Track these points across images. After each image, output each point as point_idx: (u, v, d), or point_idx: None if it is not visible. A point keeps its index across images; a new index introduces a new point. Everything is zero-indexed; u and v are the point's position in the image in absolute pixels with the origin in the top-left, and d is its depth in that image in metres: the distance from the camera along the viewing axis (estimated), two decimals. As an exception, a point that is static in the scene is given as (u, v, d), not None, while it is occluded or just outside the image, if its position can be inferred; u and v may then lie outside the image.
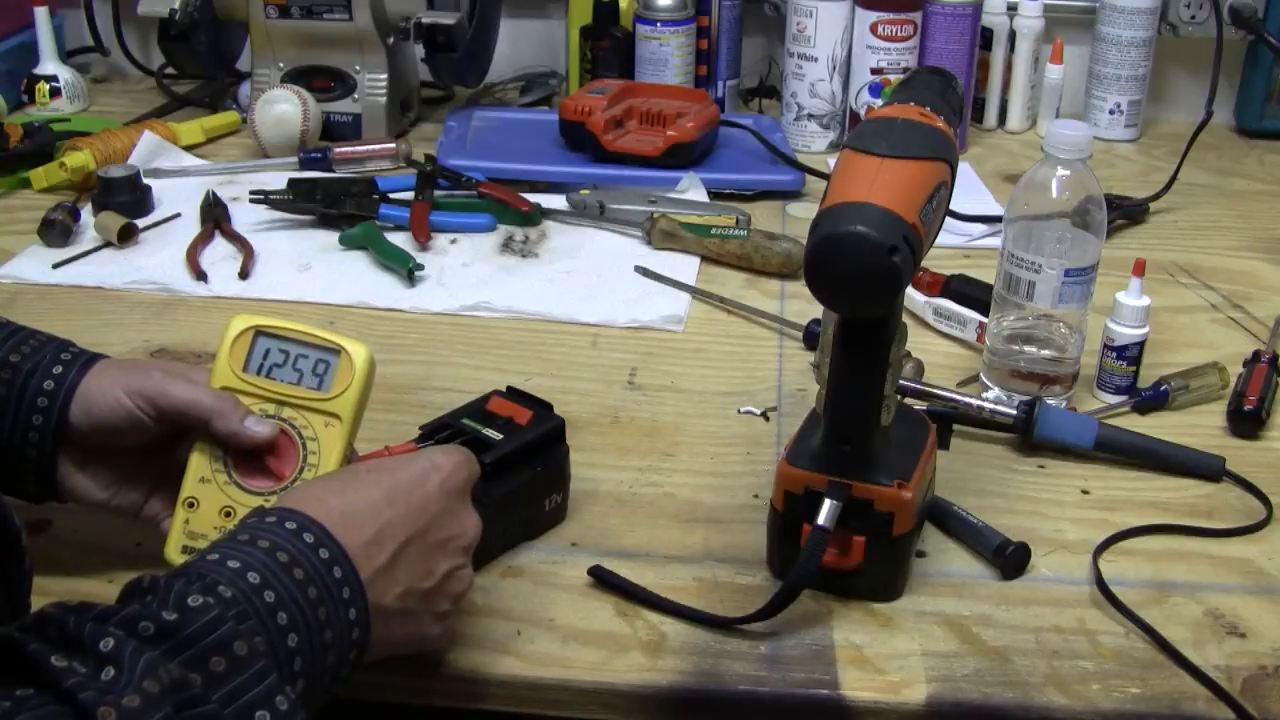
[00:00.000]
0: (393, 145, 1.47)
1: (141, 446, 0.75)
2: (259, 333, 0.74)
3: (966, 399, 0.95)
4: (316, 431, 0.73)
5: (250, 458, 0.73)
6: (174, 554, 0.72)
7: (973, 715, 0.70)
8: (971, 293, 1.10)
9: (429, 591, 0.65)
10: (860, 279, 0.67)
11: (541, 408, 0.84)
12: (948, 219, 1.30)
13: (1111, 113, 1.63)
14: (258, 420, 0.72)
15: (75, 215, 1.26)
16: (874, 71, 1.51)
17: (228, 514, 0.72)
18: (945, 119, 0.75)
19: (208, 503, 0.72)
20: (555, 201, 1.34)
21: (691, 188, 1.36)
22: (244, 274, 1.19)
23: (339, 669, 0.60)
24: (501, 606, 0.76)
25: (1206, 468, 0.91)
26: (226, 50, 1.64)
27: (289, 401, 0.73)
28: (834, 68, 1.53)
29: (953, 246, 1.28)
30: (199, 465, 0.73)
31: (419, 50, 1.58)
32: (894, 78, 1.51)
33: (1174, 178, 1.44)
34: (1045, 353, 0.98)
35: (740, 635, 0.74)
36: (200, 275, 1.18)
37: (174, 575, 0.55)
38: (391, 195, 1.31)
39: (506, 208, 1.30)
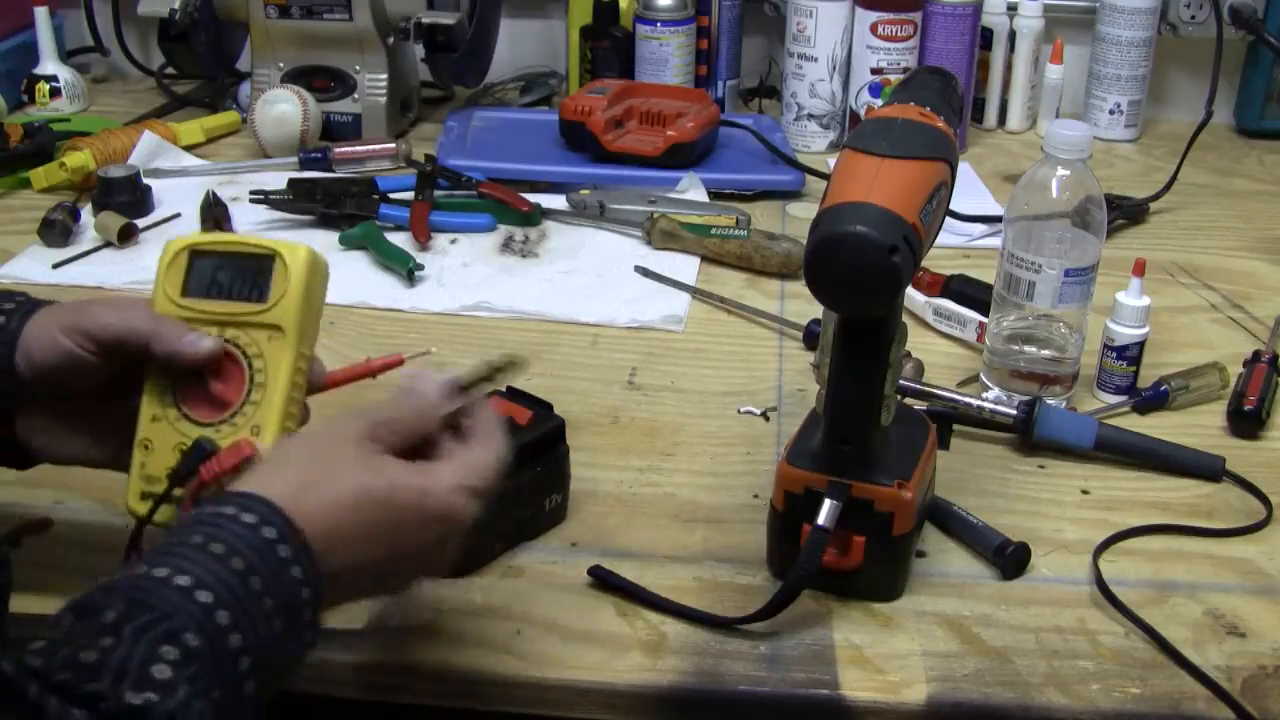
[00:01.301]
0: (393, 145, 1.47)
1: (101, 391, 0.71)
2: (194, 252, 0.70)
3: (966, 399, 0.95)
4: (261, 348, 0.69)
5: (197, 385, 0.69)
6: (135, 502, 0.69)
7: (973, 715, 0.70)
8: (971, 293, 1.10)
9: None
10: (860, 279, 0.67)
11: (541, 408, 0.84)
12: (948, 219, 1.30)
13: (1111, 113, 1.63)
14: (198, 336, 0.68)
15: (75, 215, 1.26)
16: (874, 71, 1.51)
17: (182, 450, 0.68)
18: (945, 119, 0.75)
19: (161, 441, 0.69)
20: (555, 201, 1.34)
21: (691, 188, 1.36)
22: (244, 274, 1.19)
23: (294, 634, 0.57)
24: (501, 606, 0.76)
25: (1206, 468, 0.91)
26: (226, 50, 1.64)
27: (229, 320, 0.69)
28: (834, 68, 1.53)
29: (953, 246, 1.28)
30: (150, 404, 0.69)
31: (419, 50, 1.58)
32: (894, 78, 1.51)
33: (1174, 178, 1.44)
34: (1045, 353, 0.98)
35: (740, 635, 0.74)
36: (200, 275, 1.18)
37: (131, 609, 0.51)
38: (391, 195, 1.31)
39: (506, 208, 1.30)
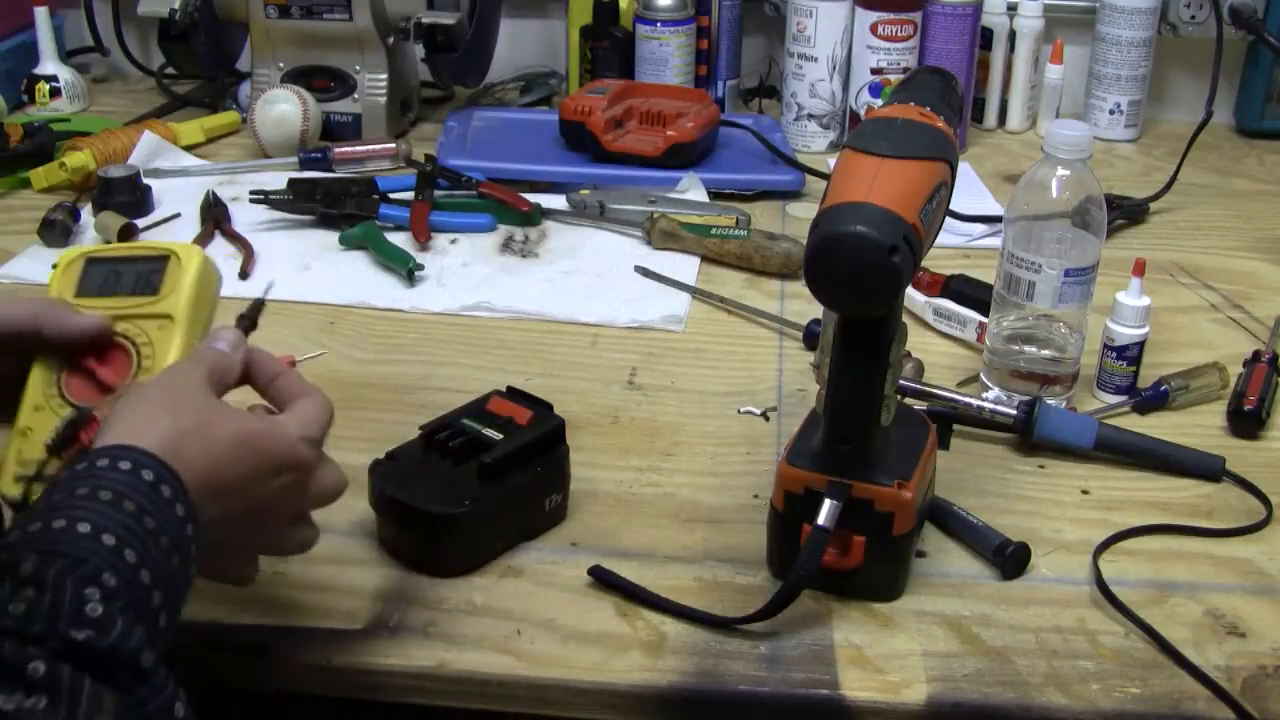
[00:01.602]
0: (393, 145, 1.47)
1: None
2: (89, 260, 0.73)
3: (966, 399, 0.95)
4: (150, 336, 0.71)
5: (83, 374, 0.70)
6: (9, 486, 0.69)
7: (973, 715, 0.70)
8: (971, 293, 1.10)
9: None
10: (860, 279, 0.67)
11: (541, 408, 0.84)
12: (948, 219, 1.30)
13: (1111, 113, 1.63)
14: (86, 315, 0.70)
15: (75, 215, 1.26)
16: (874, 71, 1.51)
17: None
18: (945, 119, 0.75)
19: (41, 428, 0.69)
20: (555, 201, 1.34)
21: (691, 188, 1.36)
22: (244, 274, 1.19)
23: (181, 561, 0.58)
24: (501, 606, 0.76)
25: (1206, 468, 0.91)
26: (226, 50, 1.64)
27: (121, 314, 0.71)
28: (834, 68, 1.53)
29: (953, 246, 1.28)
30: (33, 393, 0.70)
31: (419, 50, 1.58)
32: (894, 78, 1.51)
33: (1174, 178, 1.44)
34: (1045, 353, 0.98)
35: (740, 635, 0.74)
36: (200, 275, 1.18)
37: (44, 559, 0.52)
38: (391, 195, 1.31)
39: (506, 208, 1.30)
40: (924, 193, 0.69)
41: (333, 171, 1.44)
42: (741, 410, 0.98)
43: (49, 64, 1.63)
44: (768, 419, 0.98)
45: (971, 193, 1.42)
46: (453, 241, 1.27)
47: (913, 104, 0.74)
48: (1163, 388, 0.98)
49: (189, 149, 1.49)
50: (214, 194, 1.31)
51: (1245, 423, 0.96)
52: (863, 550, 0.75)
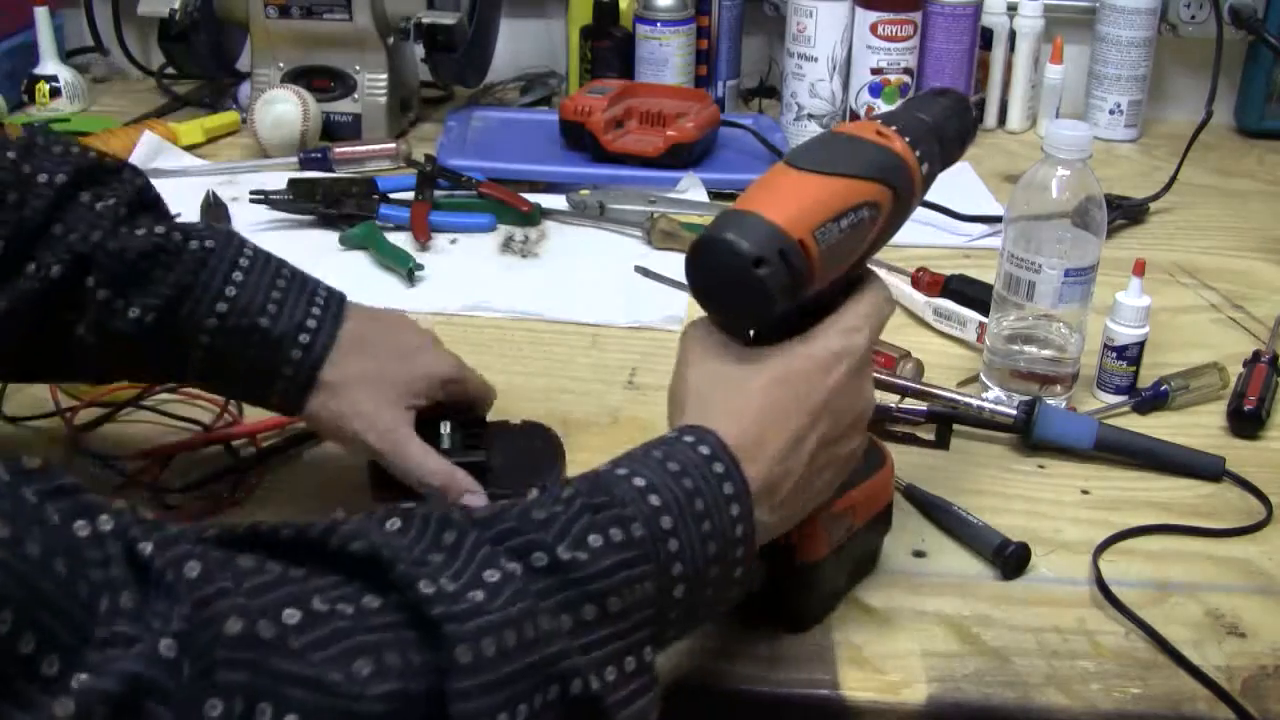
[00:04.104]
0: (393, 145, 1.47)
1: None
2: None
3: (966, 399, 0.95)
4: None
5: None
6: None
7: (973, 715, 0.70)
8: (971, 293, 1.10)
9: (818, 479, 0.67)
10: (724, 288, 0.64)
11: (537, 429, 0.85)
12: (948, 219, 1.31)
13: (1111, 113, 1.63)
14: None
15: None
16: (874, 71, 1.51)
17: None
18: (915, 142, 0.70)
19: None
20: (555, 201, 1.34)
21: (691, 188, 1.36)
22: (244, 274, 1.18)
23: (725, 561, 0.59)
24: (501, 606, 0.76)
25: (1206, 468, 0.91)
26: (226, 50, 1.64)
27: None
28: (834, 68, 1.53)
29: (953, 246, 1.28)
30: None
31: (419, 50, 1.58)
32: (894, 78, 1.51)
33: (1174, 178, 1.44)
34: (1045, 353, 0.98)
35: (740, 635, 0.74)
36: (200, 275, 1.18)
37: (591, 492, 0.56)
38: (391, 195, 1.31)
39: (506, 208, 1.30)
40: (829, 211, 0.65)
41: (333, 171, 1.44)
42: (741, 410, 0.98)
43: (49, 64, 1.63)
44: (768, 419, 0.97)
45: (971, 193, 1.42)
46: (453, 241, 1.27)
47: (880, 122, 0.71)
48: (1163, 388, 0.98)
49: (189, 149, 1.49)
50: (214, 194, 1.31)
51: (1245, 423, 0.96)
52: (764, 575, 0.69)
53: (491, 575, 0.49)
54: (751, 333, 0.68)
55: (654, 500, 0.57)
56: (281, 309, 0.75)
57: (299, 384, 0.76)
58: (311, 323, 0.76)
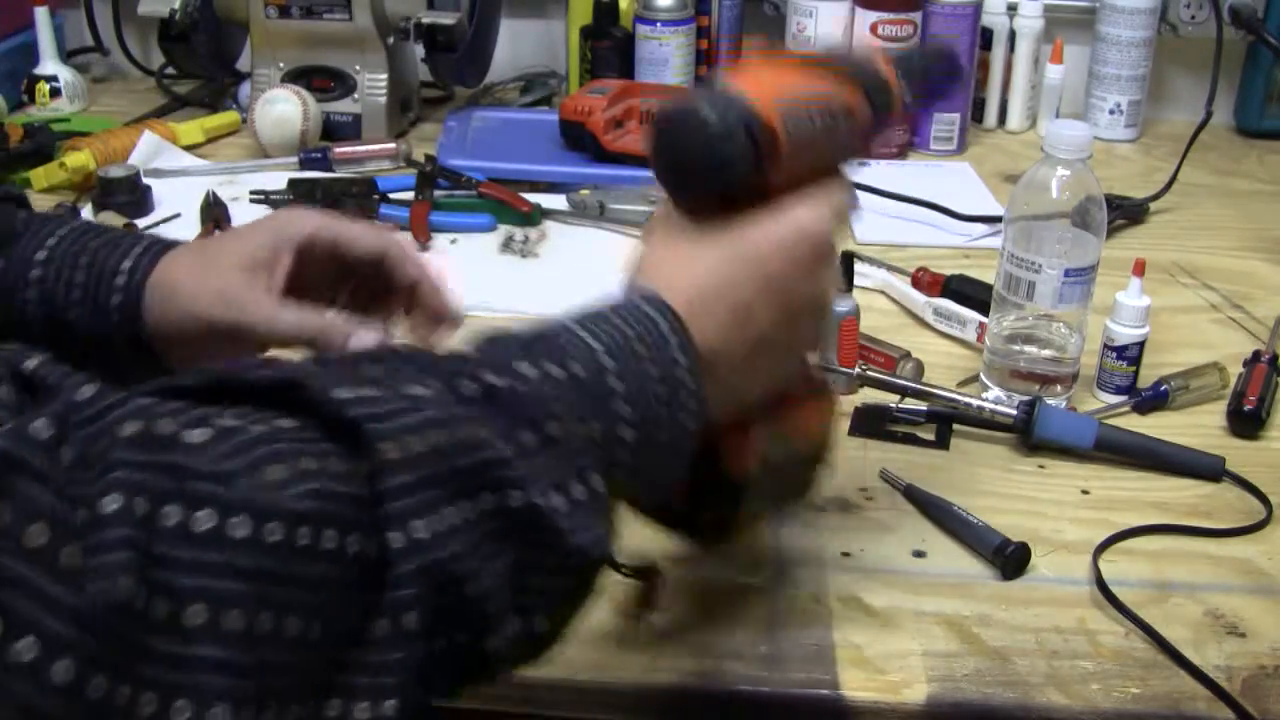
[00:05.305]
0: (393, 145, 1.47)
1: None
2: None
3: (966, 399, 0.95)
4: None
5: None
6: None
7: (973, 715, 0.70)
8: (971, 293, 1.10)
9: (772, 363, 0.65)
10: (686, 155, 0.62)
11: None
12: (948, 219, 1.31)
13: (1111, 113, 1.63)
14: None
15: (75, 215, 1.26)
16: (874, 71, 1.51)
17: None
18: (905, 74, 0.70)
19: None
20: (555, 201, 1.34)
21: (691, 188, 1.36)
22: (244, 274, 1.18)
23: (672, 406, 0.57)
24: (501, 606, 0.76)
25: (1206, 468, 0.91)
26: (226, 50, 1.64)
27: None
28: (834, 68, 1.53)
29: (953, 246, 1.28)
30: None
31: (419, 50, 1.58)
32: (894, 78, 1.51)
33: (1174, 178, 1.44)
34: (1045, 353, 0.98)
35: (740, 635, 0.74)
36: (200, 275, 1.18)
37: (525, 336, 0.55)
38: (391, 195, 1.31)
39: (506, 208, 1.30)
40: (798, 91, 0.64)
41: (333, 171, 1.44)
42: (741, 410, 0.98)
43: (49, 64, 1.63)
44: (768, 419, 0.97)
45: (971, 193, 1.42)
46: (453, 241, 1.27)
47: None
48: (1163, 388, 0.98)
49: (189, 149, 1.49)
50: (214, 194, 1.31)
51: (1245, 423, 0.96)
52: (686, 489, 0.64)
53: (416, 389, 0.47)
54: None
55: (593, 343, 0.55)
56: (90, 272, 0.70)
57: (131, 302, 0.69)
58: (127, 263, 0.70)
